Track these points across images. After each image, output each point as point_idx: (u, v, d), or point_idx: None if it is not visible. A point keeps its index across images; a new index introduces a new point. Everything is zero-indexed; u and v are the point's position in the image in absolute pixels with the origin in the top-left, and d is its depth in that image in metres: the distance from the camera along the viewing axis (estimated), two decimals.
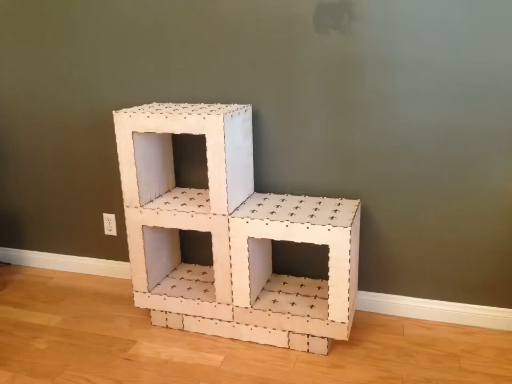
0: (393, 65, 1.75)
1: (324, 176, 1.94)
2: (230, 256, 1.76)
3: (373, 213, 1.93)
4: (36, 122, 2.33)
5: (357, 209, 1.79)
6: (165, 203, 1.89)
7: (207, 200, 1.91)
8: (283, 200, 1.92)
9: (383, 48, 1.74)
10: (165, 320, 1.97)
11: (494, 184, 1.76)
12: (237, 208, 1.80)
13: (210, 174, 1.70)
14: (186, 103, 2.01)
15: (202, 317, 1.90)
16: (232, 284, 1.80)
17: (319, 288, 1.97)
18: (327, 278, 2.05)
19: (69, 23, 2.12)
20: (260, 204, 1.86)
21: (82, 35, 2.12)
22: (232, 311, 1.83)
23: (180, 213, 1.79)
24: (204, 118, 1.65)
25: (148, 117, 1.72)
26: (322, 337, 1.75)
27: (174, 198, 1.97)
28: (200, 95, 2.02)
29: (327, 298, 1.88)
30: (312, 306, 1.82)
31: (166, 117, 1.70)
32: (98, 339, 1.91)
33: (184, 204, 1.88)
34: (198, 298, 1.89)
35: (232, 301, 1.82)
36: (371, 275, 2.01)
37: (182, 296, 1.90)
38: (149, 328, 1.98)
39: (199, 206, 1.84)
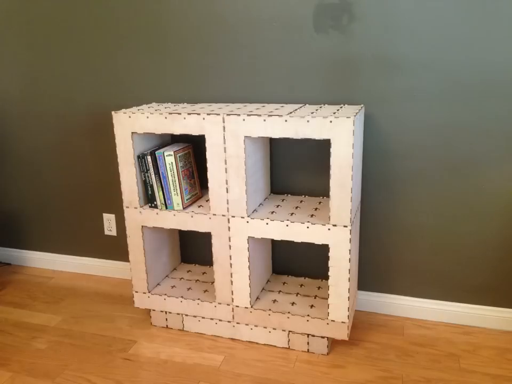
0: (393, 65, 1.75)
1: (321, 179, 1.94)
2: (230, 256, 1.77)
3: (373, 211, 1.93)
4: (35, 122, 2.33)
5: (357, 208, 1.79)
6: None
7: (206, 201, 1.91)
8: (283, 200, 1.92)
9: (383, 48, 1.74)
10: (165, 320, 1.97)
11: (494, 184, 1.76)
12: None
13: (209, 174, 1.70)
14: (185, 103, 2.01)
15: (202, 317, 1.90)
16: (232, 284, 1.80)
17: (319, 288, 1.97)
18: (327, 278, 2.05)
19: (68, 23, 2.12)
20: (261, 204, 1.86)
21: (81, 35, 2.12)
22: (232, 311, 1.84)
23: (180, 214, 1.79)
24: (204, 119, 1.65)
25: (147, 117, 1.72)
26: (322, 337, 1.75)
27: None
28: (199, 95, 2.02)
29: (327, 298, 1.88)
30: (312, 306, 1.82)
31: (166, 118, 1.70)
32: (98, 339, 1.92)
33: None
34: (198, 299, 1.89)
35: (232, 301, 1.82)
36: (371, 275, 2.01)
37: (182, 297, 1.91)
38: (149, 328, 1.98)
39: (199, 207, 1.84)
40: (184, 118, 1.68)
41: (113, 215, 2.34)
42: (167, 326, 1.97)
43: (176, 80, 2.04)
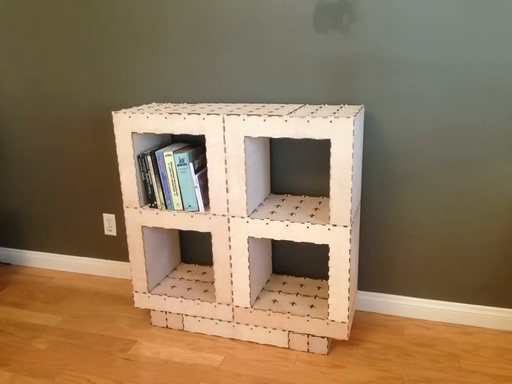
0: (393, 65, 1.75)
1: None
2: (230, 256, 1.77)
3: (373, 211, 1.93)
4: (35, 122, 2.33)
5: (357, 208, 1.79)
6: None
7: None
8: (283, 200, 1.92)
9: (383, 48, 1.74)
10: (165, 320, 1.97)
11: (494, 184, 1.76)
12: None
13: (209, 174, 1.70)
14: (185, 103, 2.01)
15: (202, 317, 1.90)
16: (232, 284, 1.80)
17: (319, 288, 1.97)
18: (327, 278, 2.05)
19: (68, 23, 2.12)
20: (261, 204, 1.86)
21: (81, 36, 2.12)
22: (232, 311, 1.84)
23: (180, 214, 1.79)
24: (204, 119, 1.65)
25: (147, 117, 1.72)
26: (322, 337, 1.75)
27: None
28: (199, 95, 2.02)
29: (327, 298, 1.88)
30: (312, 306, 1.82)
31: (166, 118, 1.70)
32: (98, 339, 1.92)
33: None
34: (198, 299, 1.89)
35: (232, 301, 1.82)
36: (371, 275, 2.01)
37: (182, 297, 1.91)
38: (149, 328, 1.98)
39: None
40: (184, 118, 1.68)
41: (113, 215, 2.34)
42: (167, 326, 1.97)
43: (176, 80, 2.04)
